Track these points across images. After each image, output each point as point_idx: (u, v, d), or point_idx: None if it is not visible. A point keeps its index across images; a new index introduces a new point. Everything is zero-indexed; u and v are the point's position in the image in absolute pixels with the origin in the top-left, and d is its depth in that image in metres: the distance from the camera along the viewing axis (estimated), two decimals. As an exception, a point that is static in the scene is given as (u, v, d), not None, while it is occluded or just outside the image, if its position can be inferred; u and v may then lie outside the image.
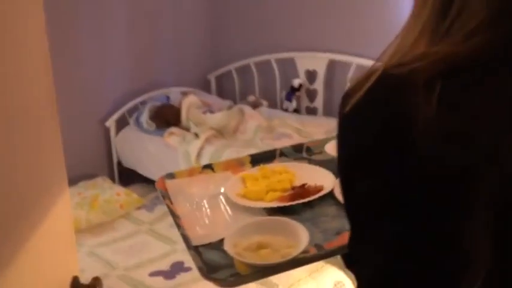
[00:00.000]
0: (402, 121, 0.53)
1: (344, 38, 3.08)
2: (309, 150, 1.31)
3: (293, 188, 1.11)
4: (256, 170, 1.21)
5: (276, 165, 1.23)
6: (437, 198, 0.53)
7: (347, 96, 0.58)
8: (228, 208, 1.09)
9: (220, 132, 2.87)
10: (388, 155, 0.55)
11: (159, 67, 3.62)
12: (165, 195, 1.13)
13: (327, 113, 3.22)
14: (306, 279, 2.07)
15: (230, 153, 2.60)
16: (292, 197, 1.06)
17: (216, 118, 2.93)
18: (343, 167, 0.62)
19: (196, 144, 2.74)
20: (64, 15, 3.03)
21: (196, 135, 2.83)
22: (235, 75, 3.71)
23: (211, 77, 3.87)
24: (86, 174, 3.25)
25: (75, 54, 3.13)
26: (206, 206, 1.11)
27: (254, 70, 3.55)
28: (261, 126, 2.77)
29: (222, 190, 1.14)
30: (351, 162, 0.60)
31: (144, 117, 3.13)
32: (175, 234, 2.57)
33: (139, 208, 2.95)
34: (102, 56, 3.29)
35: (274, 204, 1.06)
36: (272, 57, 3.42)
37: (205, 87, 3.88)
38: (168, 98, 3.44)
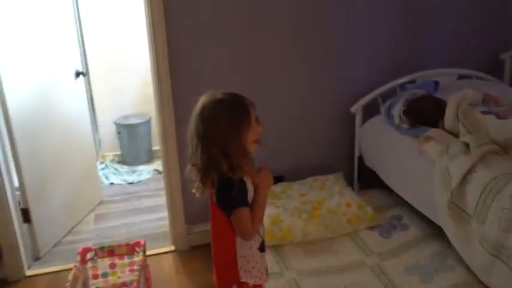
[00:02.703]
0: None
1: None
2: None
3: None
4: None
5: None
6: None
7: None
8: None
9: (504, 148, 1.88)
10: None
11: (428, 41, 2.74)
12: None
13: None
14: None
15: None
16: None
17: (505, 126, 1.93)
18: None
19: (464, 161, 1.84)
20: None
21: (467, 147, 1.92)
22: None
23: (506, 57, 2.77)
24: (322, 166, 2.73)
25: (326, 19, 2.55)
26: None
27: None
28: None
29: None
30: None
31: (397, 110, 2.35)
32: (410, 284, 1.81)
33: (371, 228, 2.26)
34: (356, 24, 2.61)
35: None
36: None
37: (495, 70, 2.81)
38: (436, 83, 2.56)
